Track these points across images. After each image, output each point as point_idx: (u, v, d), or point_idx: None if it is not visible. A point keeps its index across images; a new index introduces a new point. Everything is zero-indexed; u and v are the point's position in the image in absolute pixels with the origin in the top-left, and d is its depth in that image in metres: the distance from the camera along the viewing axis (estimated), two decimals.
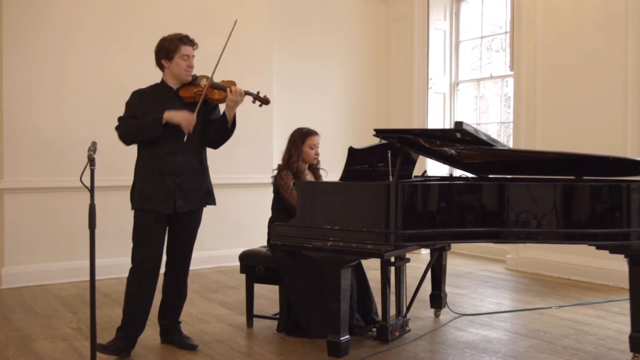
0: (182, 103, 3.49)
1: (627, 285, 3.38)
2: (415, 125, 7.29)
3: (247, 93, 3.49)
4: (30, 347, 3.64)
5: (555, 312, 4.44)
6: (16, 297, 4.88)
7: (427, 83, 7.33)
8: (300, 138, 3.96)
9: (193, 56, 3.49)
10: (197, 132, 3.50)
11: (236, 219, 6.33)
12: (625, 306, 3.90)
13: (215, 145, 3.65)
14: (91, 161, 2.80)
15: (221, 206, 6.32)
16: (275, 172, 3.96)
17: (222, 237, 6.23)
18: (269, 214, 4.01)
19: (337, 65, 7.45)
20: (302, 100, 7.06)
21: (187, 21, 5.92)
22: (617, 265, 4.94)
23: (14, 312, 4.43)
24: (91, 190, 2.81)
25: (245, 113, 6.27)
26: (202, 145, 3.59)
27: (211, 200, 3.66)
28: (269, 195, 4.01)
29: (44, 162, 5.36)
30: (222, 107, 3.61)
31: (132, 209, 3.48)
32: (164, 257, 3.61)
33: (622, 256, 3.28)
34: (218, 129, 3.54)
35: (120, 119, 3.45)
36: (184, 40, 3.45)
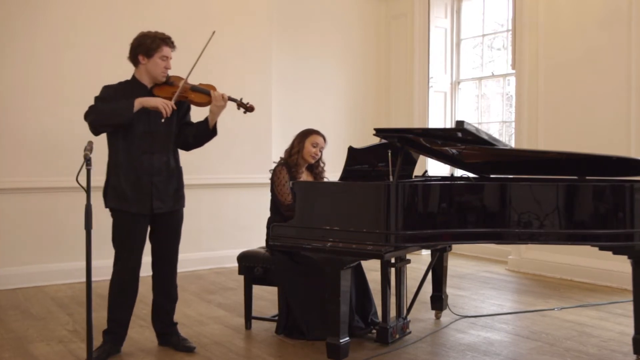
0: None
1: (630, 287, 3.36)
2: (416, 124, 7.24)
3: (230, 99, 3.46)
4: (25, 349, 3.60)
5: (557, 313, 4.40)
6: (11, 298, 4.83)
7: (428, 82, 7.29)
8: (306, 133, 3.97)
9: (171, 58, 3.43)
10: (172, 133, 3.46)
11: (234, 220, 6.28)
12: (629, 308, 3.86)
13: (189, 148, 3.60)
14: (87, 161, 2.78)
15: (219, 206, 6.37)
16: (273, 167, 3.95)
17: (220, 237, 6.18)
18: (267, 214, 3.97)
19: (337, 64, 7.40)
20: (301, 100, 7.02)
21: (186, 20, 5.88)
22: (620, 267, 4.90)
23: (8, 313, 4.39)
24: (87, 190, 2.78)
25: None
26: (176, 147, 3.53)
27: (183, 203, 3.57)
28: (267, 196, 3.97)
29: (39, 162, 5.32)
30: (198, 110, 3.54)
31: (107, 207, 3.40)
32: (150, 259, 3.55)
33: (625, 257, 3.25)
34: (198, 134, 3.51)
35: (90, 106, 3.38)
36: (166, 41, 3.39)
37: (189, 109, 3.60)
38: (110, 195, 3.38)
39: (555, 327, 4.04)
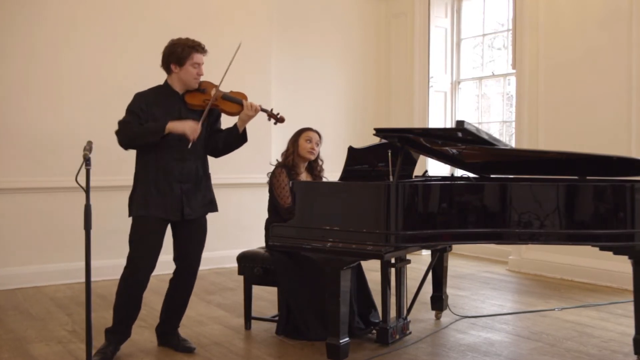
0: (186, 109, 3.43)
1: (631, 287, 3.36)
2: (416, 124, 7.23)
3: (261, 109, 3.49)
4: (25, 349, 3.59)
5: (558, 314, 4.39)
6: (10, 299, 4.82)
7: (428, 81, 7.28)
8: (298, 132, 3.98)
9: (202, 64, 3.45)
10: (202, 140, 3.47)
11: (234, 220, 6.26)
12: (629, 308, 3.85)
13: (218, 154, 3.63)
14: (87, 161, 2.77)
15: (219, 206, 6.29)
16: (271, 169, 3.94)
17: (219, 238, 6.12)
18: (266, 214, 3.96)
19: (337, 64, 7.39)
20: (300, 100, 7.00)
21: (186, 20, 5.88)
22: (620, 267, 4.88)
23: (8, 314, 4.38)
24: (87, 190, 2.77)
25: None
26: (205, 153, 3.56)
27: (213, 208, 3.61)
28: (266, 196, 3.96)
29: (38, 162, 5.30)
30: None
31: (131, 216, 3.39)
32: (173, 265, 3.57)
33: (626, 257, 3.24)
34: (227, 140, 3.53)
35: (120, 122, 3.36)
36: (197, 48, 3.41)
37: (219, 116, 3.61)
38: (136, 203, 3.36)
39: (556, 328, 4.03)
